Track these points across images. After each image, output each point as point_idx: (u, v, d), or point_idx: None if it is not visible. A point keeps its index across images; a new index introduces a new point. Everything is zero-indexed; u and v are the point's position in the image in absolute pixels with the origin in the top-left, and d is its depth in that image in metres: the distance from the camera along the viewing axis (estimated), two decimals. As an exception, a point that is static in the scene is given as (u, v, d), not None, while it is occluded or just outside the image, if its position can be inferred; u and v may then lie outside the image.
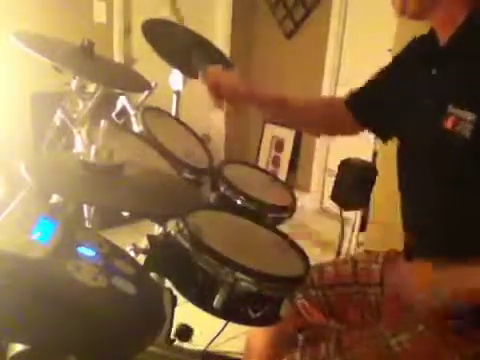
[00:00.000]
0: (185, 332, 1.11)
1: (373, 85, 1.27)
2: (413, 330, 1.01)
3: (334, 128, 1.39)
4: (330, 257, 2.29)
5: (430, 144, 1.03)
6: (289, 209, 1.32)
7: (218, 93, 1.20)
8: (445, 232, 1.03)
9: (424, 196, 1.07)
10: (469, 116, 0.92)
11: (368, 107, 1.26)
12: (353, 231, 2.55)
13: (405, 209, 1.15)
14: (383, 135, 1.27)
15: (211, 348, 1.40)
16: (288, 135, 3.75)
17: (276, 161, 3.83)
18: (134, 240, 1.05)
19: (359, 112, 1.28)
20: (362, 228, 2.54)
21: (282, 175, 3.70)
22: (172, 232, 1.00)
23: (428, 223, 1.07)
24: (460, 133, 0.93)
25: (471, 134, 0.92)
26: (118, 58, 3.22)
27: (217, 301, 0.91)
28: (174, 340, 1.38)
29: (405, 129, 1.14)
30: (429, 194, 1.06)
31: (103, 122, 0.93)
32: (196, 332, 1.12)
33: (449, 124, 0.95)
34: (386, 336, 1.02)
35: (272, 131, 3.83)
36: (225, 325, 1.13)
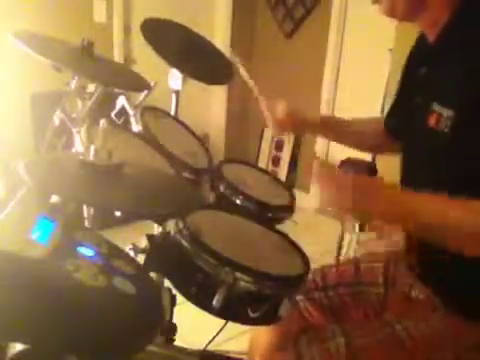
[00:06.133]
0: (170, 329, 1.10)
1: (396, 96, 1.28)
2: (418, 318, 1.02)
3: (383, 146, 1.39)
4: (330, 257, 2.29)
5: (421, 143, 1.03)
6: (289, 209, 1.32)
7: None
8: None
9: None
10: (447, 112, 0.91)
11: (396, 120, 1.27)
12: (353, 231, 2.55)
13: None
14: None
15: (211, 348, 1.40)
16: (288, 135, 3.74)
17: (276, 161, 3.82)
18: (134, 240, 1.05)
19: (391, 128, 1.29)
20: (362, 228, 2.54)
21: (282, 175, 3.70)
22: (172, 232, 1.00)
23: None
24: (443, 130, 0.92)
25: (450, 130, 0.91)
26: (118, 58, 3.22)
27: (216, 300, 0.91)
28: (174, 340, 1.39)
29: (404, 131, 1.14)
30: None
31: (102, 122, 0.93)
32: (196, 332, 1.12)
33: (432, 122, 0.94)
34: (391, 323, 1.03)
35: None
36: (224, 325, 1.13)
